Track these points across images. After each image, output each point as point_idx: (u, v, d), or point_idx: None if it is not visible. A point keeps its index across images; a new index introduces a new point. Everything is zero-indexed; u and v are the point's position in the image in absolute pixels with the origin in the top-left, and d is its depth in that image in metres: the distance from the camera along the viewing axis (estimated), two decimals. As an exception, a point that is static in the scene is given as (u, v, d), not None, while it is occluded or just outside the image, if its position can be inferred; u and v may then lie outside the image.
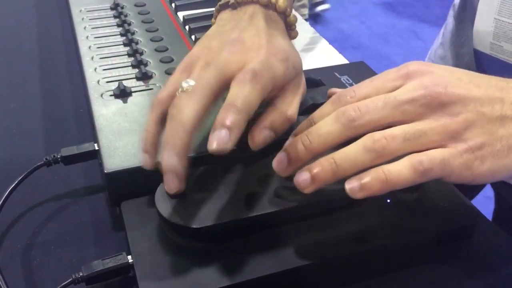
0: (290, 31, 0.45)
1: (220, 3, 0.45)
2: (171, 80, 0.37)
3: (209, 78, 0.35)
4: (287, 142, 0.35)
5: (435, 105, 0.32)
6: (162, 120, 0.35)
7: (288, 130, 0.38)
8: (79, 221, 0.40)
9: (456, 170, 0.31)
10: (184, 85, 0.35)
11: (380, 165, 0.31)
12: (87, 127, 0.50)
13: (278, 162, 0.34)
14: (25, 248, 0.38)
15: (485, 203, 0.59)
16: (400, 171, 0.31)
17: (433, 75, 0.33)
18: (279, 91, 0.38)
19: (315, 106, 0.43)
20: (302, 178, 0.32)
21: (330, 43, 0.60)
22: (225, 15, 0.44)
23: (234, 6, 0.43)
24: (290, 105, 0.38)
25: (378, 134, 0.31)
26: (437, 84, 0.32)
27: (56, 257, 0.37)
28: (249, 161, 0.38)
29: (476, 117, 0.31)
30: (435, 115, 0.32)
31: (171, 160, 0.33)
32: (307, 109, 0.43)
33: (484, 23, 0.55)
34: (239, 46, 0.38)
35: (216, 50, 0.38)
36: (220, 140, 0.32)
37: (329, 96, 0.37)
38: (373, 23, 2.92)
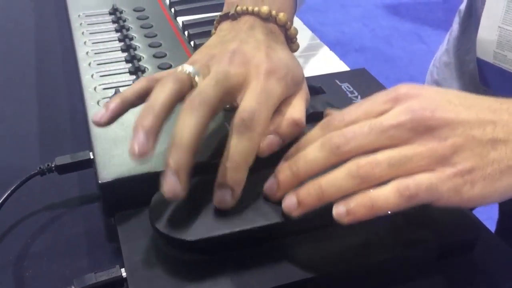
0: (291, 44, 0.44)
1: (220, 14, 0.44)
2: (169, 70, 0.38)
3: (210, 95, 0.34)
4: (278, 167, 0.35)
5: (422, 129, 0.31)
6: (145, 93, 0.36)
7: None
8: (73, 232, 0.40)
9: (445, 195, 0.30)
10: (186, 68, 0.36)
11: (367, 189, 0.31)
12: (83, 134, 0.50)
13: (268, 187, 0.34)
14: (17, 259, 0.37)
15: (489, 212, 0.58)
16: (386, 196, 0.30)
17: (421, 98, 0.32)
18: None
19: (316, 114, 0.42)
20: (290, 202, 0.32)
21: (332, 46, 0.60)
22: (225, 25, 0.43)
23: (234, 17, 0.43)
24: (295, 109, 0.38)
25: (362, 160, 0.31)
26: (425, 108, 0.31)
27: (48, 269, 0.37)
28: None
29: (465, 140, 0.31)
30: (422, 140, 0.31)
31: (176, 166, 0.32)
32: (308, 117, 0.42)
33: (488, 31, 0.54)
34: (239, 57, 0.37)
35: (217, 59, 0.38)
36: (222, 199, 0.33)
37: (325, 116, 0.37)
38: (376, 26, 2.91)
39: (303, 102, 0.39)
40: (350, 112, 0.34)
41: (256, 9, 0.42)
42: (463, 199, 0.30)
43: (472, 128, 0.31)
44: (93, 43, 0.55)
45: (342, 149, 0.32)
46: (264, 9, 0.42)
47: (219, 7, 0.65)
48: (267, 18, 0.42)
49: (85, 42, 0.55)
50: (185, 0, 0.66)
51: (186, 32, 0.59)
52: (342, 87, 0.48)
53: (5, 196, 0.39)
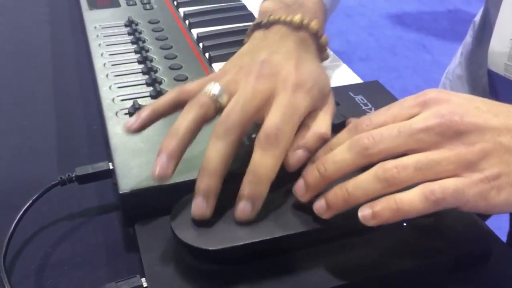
0: (322, 53, 0.45)
1: (253, 23, 0.46)
2: (199, 81, 0.40)
3: (235, 122, 0.35)
4: (306, 168, 0.35)
5: (450, 134, 0.31)
6: (175, 105, 0.39)
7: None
8: (92, 242, 0.40)
9: (471, 200, 0.31)
10: (211, 89, 0.37)
11: (393, 193, 0.31)
12: (99, 145, 0.50)
13: (297, 188, 0.35)
14: (39, 268, 0.38)
15: (499, 222, 0.58)
16: (412, 200, 0.31)
17: (450, 103, 0.33)
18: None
19: (332, 126, 0.43)
20: (319, 205, 0.33)
21: (337, 55, 0.60)
22: (258, 34, 0.45)
23: (266, 26, 0.44)
24: (321, 124, 0.38)
25: (389, 163, 0.31)
26: (454, 113, 0.32)
27: (69, 279, 0.37)
28: None
29: (493, 147, 0.31)
30: (450, 144, 0.31)
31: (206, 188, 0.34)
32: None
33: (500, 43, 0.55)
34: (268, 68, 0.38)
35: (246, 71, 0.39)
36: (243, 211, 0.34)
37: (347, 125, 0.37)
38: (381, 36, 2.92)
39: (329, 116, 0.40)
40: (378, 115, 0.35)
41: (288, 18, 0.43)
42: (490, 205, 0.31)
43: (500, 134, 0.31)
44: (110, 54, 0.56)
45: (370, 151, 0.32)
46: (297, 18, 0.42)
47: (232, 19, 0.66)
48: (299, 27, 0.43)
49: (102, 54, 0.56)
50: (199, 12, 0.67)
51: (200, 44, 0.60)
52: (356, 99, 0.49)
53: (27, 206, 0.40)
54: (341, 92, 0.49)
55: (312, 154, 0.37)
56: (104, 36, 0.60)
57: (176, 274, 0.34)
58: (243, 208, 0.34)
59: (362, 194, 0.32)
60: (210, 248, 0.33)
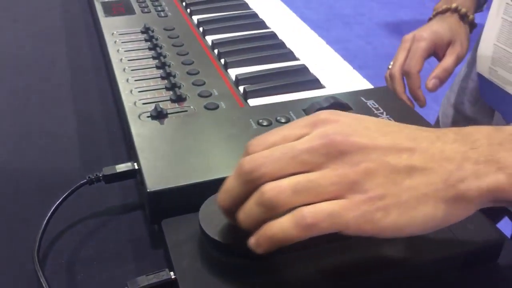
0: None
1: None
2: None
3: None
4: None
5: (334, 154, 0.30)
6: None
7: None
8: (118, 239, 0.42)
9: (353, 223, 0.29)
10: None
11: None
12: (120, 146, 0.52)
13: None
14: (68, 263, 0.40)
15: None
16: (283, 226, 0.29)
17: (338, 123, 0.31)
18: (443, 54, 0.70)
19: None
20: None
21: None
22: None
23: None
24: (446, 62, 0.68)
25: (267, 186, 0.30)
26: (339, 133, 0.30)
27: (99, 273, 0.39)
28: None
29: (379, 166, 0.29)
30: (334, 165, 0.30)
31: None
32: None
33: (486, 48, 0.58)
34: None
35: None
36: None
37: None
38: (378, 44, 2.96)
39: (454, 55, 0.68)
40: (268, 136, 0.33)
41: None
42: (377, 228, 0.29)
43: (387, 154, 0.30)
44: (128, 60, 0.58)
45: (253, 175, 0.30)
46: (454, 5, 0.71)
47: (244, 26, 0.68)
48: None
49: (121, 60, 0.58)
50: (212, 20, 0.69)
51: (215, 50, 0.62)
52: (368, 104, 0.51)
53: (57, 203, 0.42)
54: (353, 97, 0.52)
55: (441, 83, 0.67)
56: (122, 42, 0.62)
57: (203, 267, 0.35)
58: None
59: (249, 221, 0.31)
60: (237, 244, 0.34)
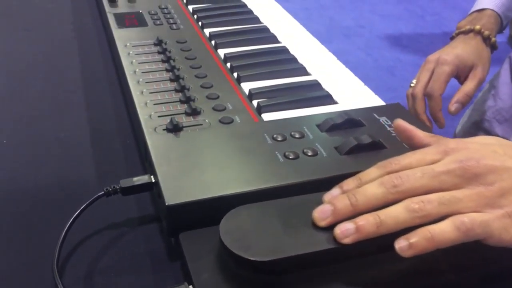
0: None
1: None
2: None
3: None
4: (332, 194, 0.38)
5: (469, 176, 0.35)
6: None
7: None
8: (136, 251, 0.42)
9: (496, 233, 0.34)
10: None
11: (424, 225, 0.34)
12: (134, 157, 0.53)
13: (321, 211, 0.37)
14: (86, 274, 0.40)
15: None
16: (444, 230, 0.34)
17: (468, 150, 0.37)
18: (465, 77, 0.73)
19: (359, 146, 0.46)
20: (346, 227, 0.35)
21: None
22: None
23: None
24: (468, 86, 0.71)
25: (416, 198, 0.35)
26: (471, 158, 0.36)
27: (117, 285, 0.39)
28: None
29: (511, 185, 0.35)
30: (470, 185, 0.35)
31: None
32: (351, 149, 0.46)
33: None
34: None
35: None
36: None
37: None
38: (379, 56, 2.98)
39: (476, 81, 0.71)
40: (405, 158, 0.38)
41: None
42: None
43: None
44: (142, 72, 0.58)
45: (398, 189, 0.36)
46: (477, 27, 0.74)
47: (256, 40, 0.69)
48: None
49: (135, 71, 0.59)
50: (224, 34, 0.70)
51: (228, 64, 0.62)
52: (381, 120, 0.51)
53: (75, 215, 0.42)
54: (366, 114, 0.52)
55: (463, 106, 0.70)
56: (135, 54, 0.62)
57: (223, 282, 0.35)
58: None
59: (393, 222, 0.35)
60: (259, 260, 0.34)
